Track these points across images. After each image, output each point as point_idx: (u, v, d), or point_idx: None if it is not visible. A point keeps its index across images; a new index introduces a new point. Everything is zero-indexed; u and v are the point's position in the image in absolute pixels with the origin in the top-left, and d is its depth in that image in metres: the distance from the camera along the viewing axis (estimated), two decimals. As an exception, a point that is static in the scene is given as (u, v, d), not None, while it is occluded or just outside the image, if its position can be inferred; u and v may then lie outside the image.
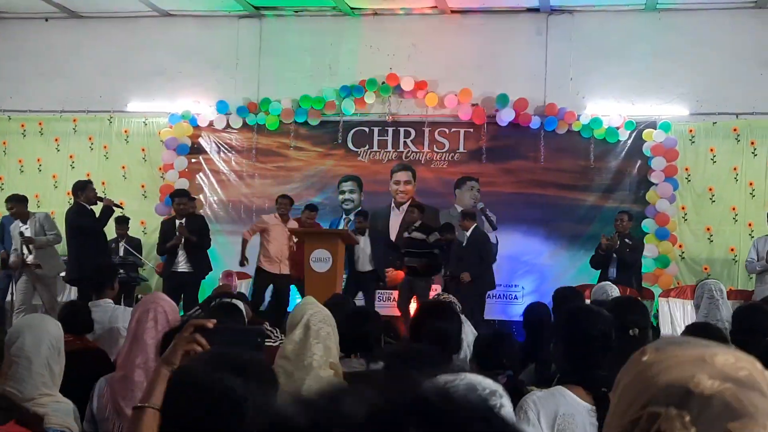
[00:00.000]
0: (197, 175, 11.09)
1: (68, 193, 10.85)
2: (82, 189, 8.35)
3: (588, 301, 5.75)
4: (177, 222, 8.86)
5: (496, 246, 10.62)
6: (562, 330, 2.93)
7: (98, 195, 8.52)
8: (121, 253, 9.75)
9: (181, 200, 9.01)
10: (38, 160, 11.24)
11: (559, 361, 3.03)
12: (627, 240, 8.97)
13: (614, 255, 8.84)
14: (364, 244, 9.59)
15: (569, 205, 10.50)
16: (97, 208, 8.28)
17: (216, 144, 11.11)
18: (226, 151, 11.11)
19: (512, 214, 10.54)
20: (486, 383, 1.38)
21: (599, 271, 8.88)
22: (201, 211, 10.66)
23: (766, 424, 0.86)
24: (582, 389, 2.63)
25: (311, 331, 2.88)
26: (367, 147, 10.98)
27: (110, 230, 9.02)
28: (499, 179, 10.71)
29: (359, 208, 10.51)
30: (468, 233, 9.33)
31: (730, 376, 0.90)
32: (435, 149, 10.86)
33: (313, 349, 2.85)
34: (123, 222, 9.83)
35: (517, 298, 10.36)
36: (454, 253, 9.20)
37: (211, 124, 11.01)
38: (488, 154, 10.73)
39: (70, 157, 11.16)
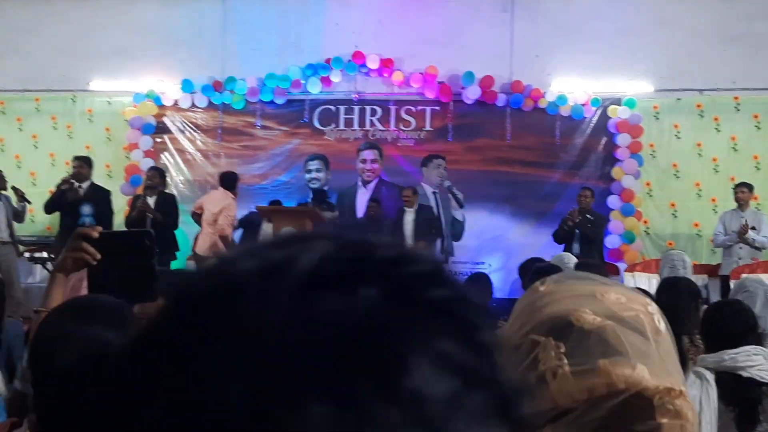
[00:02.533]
0: (162, 155, 11.12)
1: (32, 174, 10.98)
2: None
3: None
4: (140, 200, 8.91)
5: (463, 224, 10.78)
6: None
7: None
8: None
9: (151, 174, 9.10)
10: (0, 140, 11.23)
11: None
12: (589, 216, 9.12)
13: (577, 230, 9.01)
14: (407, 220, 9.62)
15: (535, 182, 10.64)
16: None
17: (181, 123, 11.15)
18: (191, 131, 11.15)
19: (479, 191, 10.67)
20: None
21: (563, 246, 9.04)
22: (167, 191, 10.71)
23: (636, 365, 0.88)
24: None
25: None
26: (333, 126, 11.06)
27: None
28: (465, 157, 10.83)
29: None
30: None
31: (615, 314, 0.91)
32: (401, 127, 10.96)
33: None
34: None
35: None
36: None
37: (176, 103, 11.04)
38: (454, 132, 10.85)
39: (33, 137, 11.16)
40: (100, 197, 8.94)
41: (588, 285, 0.96)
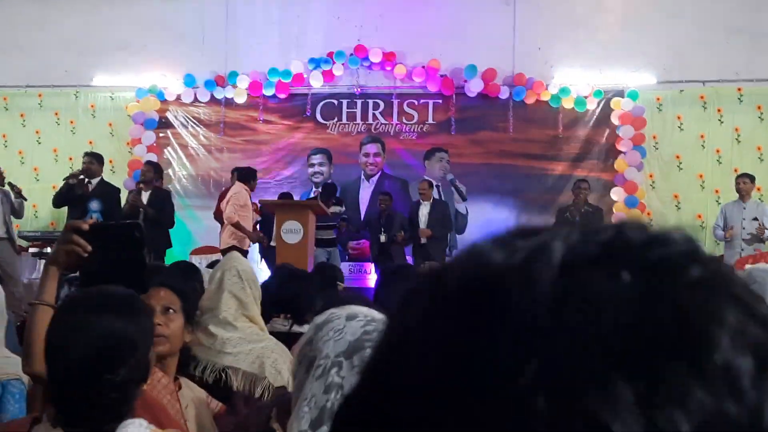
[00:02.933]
0: (165, 150, 11.16)
1: (35, 169, 11.02)
2: None
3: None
4: (132, 194, 8.90)
5: (466, 217, 10.80)
6: None
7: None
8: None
9: (145, 168, 9.11)
10: (3, 136, 11.27)
11: None
12: (589, 207, 9.15)
13: (577, 222, 9.02)
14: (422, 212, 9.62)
15: (538, 174, 10.66)
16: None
17: (184, 118, 11.18)
18: (194, 125, 11.18)
19: (482, 184, 10.69)
20: (368, 311, 1.39)
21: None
22: (170, 185, 10.75)
23: None
24: None
25: (224, 284, 2.97)
26: (336, 119, 11.08)
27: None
28: (468, 150, 10.85)
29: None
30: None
31: None
32: (404, 121, 10.98)
33: (227, 302, 2.94)
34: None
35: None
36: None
37: (178, 98, 11.07)
38: (457, 125, 10.87)
39: (36, 132, 11.19)
40: (109, 193, 8.94)
41: None
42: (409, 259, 9.59)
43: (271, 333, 3.15)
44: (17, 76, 11.01)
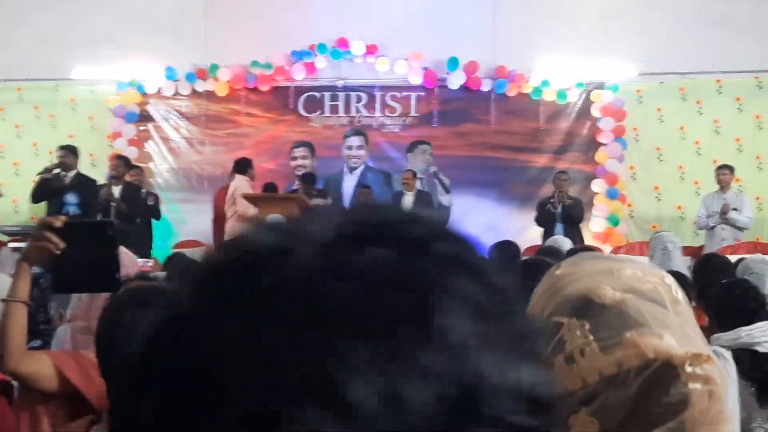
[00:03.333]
0: (146, 143, 11.12)
1: (15, 164, 10.94)
2: None
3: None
4: (104, 189, 8.87)
5: (450, 209, 10.87)
6: None
7: None
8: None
9: (115, 163, 9.09)
10: (-17, 130, 11.19)
11: None
12: (569, 198, 9.25)
13: (558, 213, 9.12)
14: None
15: (521, 166, 10.75)
16: None
17: (165, 111, 11.14)
18: (175, 118, 11.15)
19: (465, 176, 10.76)
20: None
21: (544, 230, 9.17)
22: (152, 180, 10.73)
23: (663, 334, 0.89)
24: None
25: None
26: (318, 112, 11.10)
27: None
28: (451, 142, 10.91)
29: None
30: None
31: (634, 288, 0.94)
32: (387, 113, 11.02)
33: None
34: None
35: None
36: None
37: (159, 91, 11.03)
38: (440, 117, 10.92)
39: (16, 126, 11.11)
40: (86, 186, 8.91)
41: (604, 263, 0.99)
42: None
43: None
44: (-4, 69, 10.92)
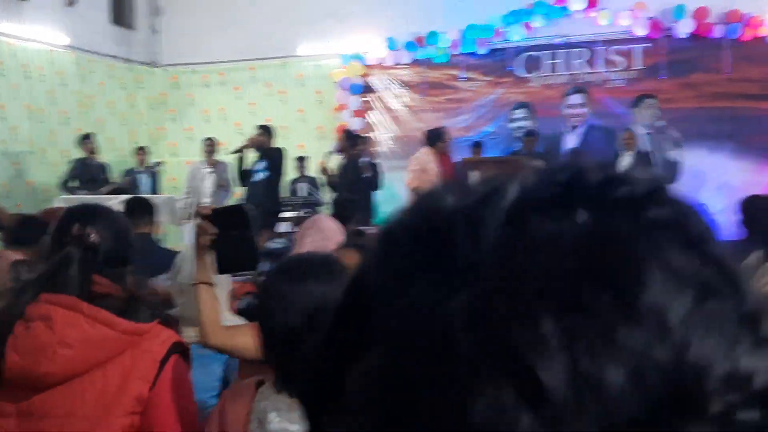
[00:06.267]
0: (370, 113, 11.74)
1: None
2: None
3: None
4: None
5: (680, 165, 10.62)
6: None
7: None
8: (304, 192, 10.57)
9: (340, 138, 9.68)
10: (222, 109, 12.29)
11: None
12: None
13: None
14: None
15: (758, 116, 10.30)
16: None
17: (387, 81, 11.71)
18: (397, 88, 11.68)
19: (696, 130, 10.46)
20: None
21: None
22: (376, 149, 11.30)
23: None
24: None
25: None
26: (538, 72, 11.19)
27: (291, 170, 9.98)
28: (679, 94, 10.65)
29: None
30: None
31: None
32: (610, 69, 10.92)
33: None
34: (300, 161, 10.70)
35: (704, 218, 10.31)
36: None
37: (381, 61, 11.60)
38: (667, 69, 10.68)
39: (251, 104, 12.10)
40: (273, 155, 9.50)
41: None
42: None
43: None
44: (231, 51, 11.97)
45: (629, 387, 0.34)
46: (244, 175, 9.46)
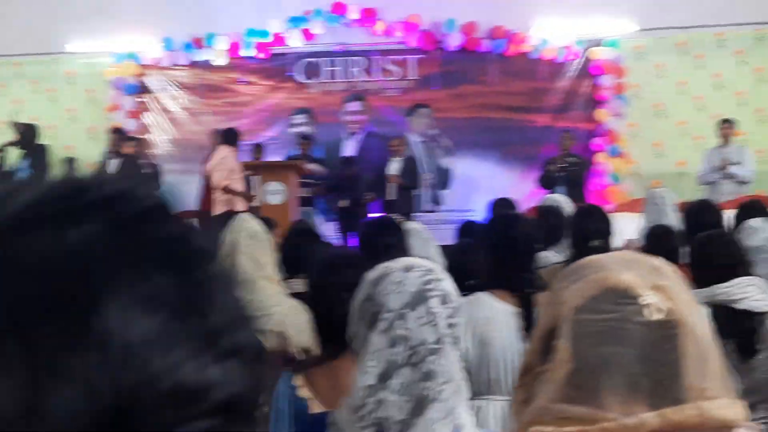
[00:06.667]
0: (145, 115, 11.41)
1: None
2: None
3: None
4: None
5: (451, 172, 11.15)
6: (486, 236, 3.13)
7: None
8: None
9: (110, 137, 9.38)
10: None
11: (484, 267, 3.07)
12: (572, 158, 9.48)
13: (562, 173, 9.35)
14: None
15: (521, 127, 11.02)
16: None
17: (163, 82, 11.43)
18: (173, 89, 11.43)
19: (465, 138, 11.05)
20: (421, 262, 1.44)
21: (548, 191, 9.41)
22: (152, 152, 11.01)
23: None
24: (507, 293, 2.80)
25: (239, 247, 3.06)
26: (317, 79, 11.34)
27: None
28: (451, 105, 11.18)
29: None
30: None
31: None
32: (386, 77, 11.26)
33: (245, 265, 3.02)
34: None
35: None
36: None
37: (157, 61, 11.30)
38: (439, 80, 11.16)
39: (16, 102, 11.39)
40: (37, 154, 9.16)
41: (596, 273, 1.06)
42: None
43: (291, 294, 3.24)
44: (-4, 46, 11.19)
45: (76, 407, 0.34)
46: (5, 176, 8.92)
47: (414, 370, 1.30)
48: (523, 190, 10.45)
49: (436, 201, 11.13)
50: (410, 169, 9.87)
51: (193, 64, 11.37)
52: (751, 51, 10.56)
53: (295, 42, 11.19)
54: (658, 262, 1.08)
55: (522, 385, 1.04)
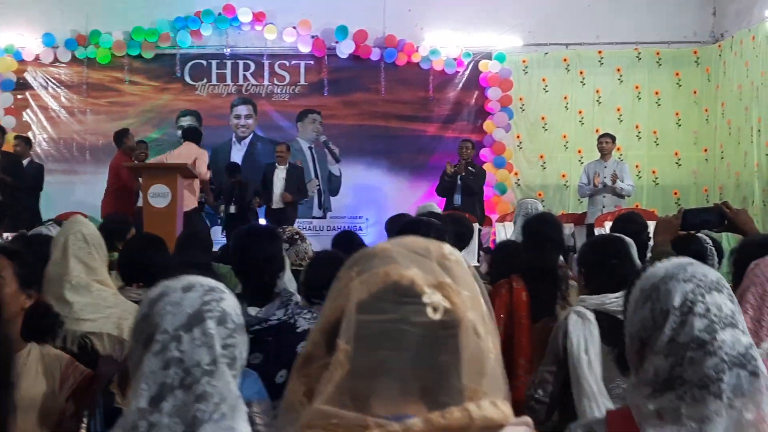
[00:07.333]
0: (24, 112, 11.02)
1: None
2: None
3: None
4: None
5: (340, 178, 11.20)
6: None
7: None
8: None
9: None
10: None
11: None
12: (471, 168, 9.67)
13: (459, 182, 9.52)
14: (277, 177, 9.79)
15: (410, 135, 11.19)
16: None
17: (43, 79, 11.07)
18: (54, 87, 11.09)
19: (355, 146, 11.14)
20: (204, 281, 1.43)
21: (445, 199, 9.56)
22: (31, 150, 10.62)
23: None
24: None
25: (69, 250, 2.98)
26: (205, 80, 11.22)
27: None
28: (341, 111, 11.24)
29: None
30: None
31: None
32: (276, 82, 11.23)
33: (74, 268, 2.96)
34: None
35: (361, 229, 10.93)
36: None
37: (37, 58, 10.95)
38: (330, 86, 11.21)
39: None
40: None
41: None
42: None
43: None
44: None
45: None
46: None
47: (187, 392, 1.30)
48: (412, 198, 10.62)
49: (324, 207, 11.16)
50: (295, 176, 9.83)
51: (76, 62, 11.03)
52: (629, 69, 11.02)
53: (183, 42, 11.01)
54: (449, 250, 1.10)
55: (304, 376, 1.05)
